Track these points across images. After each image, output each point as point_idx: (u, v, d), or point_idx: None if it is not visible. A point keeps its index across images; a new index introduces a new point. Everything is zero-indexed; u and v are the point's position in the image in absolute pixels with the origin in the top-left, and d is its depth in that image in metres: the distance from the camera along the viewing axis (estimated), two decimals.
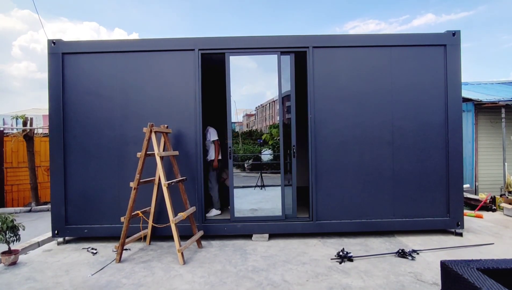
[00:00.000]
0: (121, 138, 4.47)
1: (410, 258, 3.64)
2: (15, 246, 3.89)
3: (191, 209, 4.10)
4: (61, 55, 4.44)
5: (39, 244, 4.44)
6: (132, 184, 3.87)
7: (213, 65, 5.13)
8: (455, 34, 4.46)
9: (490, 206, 6.13)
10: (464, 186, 6.55)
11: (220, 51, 4.52)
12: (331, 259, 3.66)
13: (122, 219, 3.86)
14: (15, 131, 8.00)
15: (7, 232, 3.66)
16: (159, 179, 4.03)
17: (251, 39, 4.52)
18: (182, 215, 3.83)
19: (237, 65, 4.48)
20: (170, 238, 4.31)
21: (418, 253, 3.78)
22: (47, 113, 4.55)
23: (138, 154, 3.91)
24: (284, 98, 4.63)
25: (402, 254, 3.71)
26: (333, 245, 4.16)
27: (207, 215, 4.99)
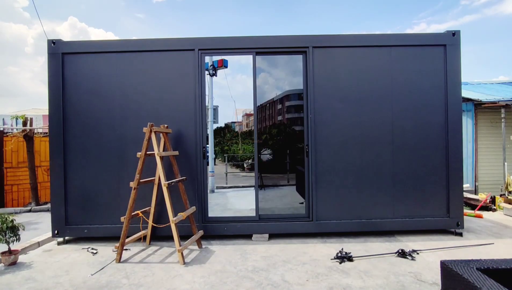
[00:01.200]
0: (121, 138, 4.47)
1: (410, 258, 3.64)
2: (15, 246, 3.89)
3: (191, 209, 4.10)
4: (61, 55, 4.44)
5: (39, 244, 4.44)
6: (132, 184, 3.88)
7: None
8: (455, 34, 4.46)
9: (490, 206, 6.13)
10: (464, 186, 6.55)
11: (221, 51, 4.53)
12: (331, 259, 3.67)
13: (122, 219, 3.86)
14: (15, 131, 8.00)
15: (7, 232, 3.65)
16: (159, 179, 4.03)
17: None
18: (182, 215, 3.83)
19: (236, 64, 4.48)
20: (170, 238, 4.31)
21: (418, 253, 3.78)
22: (47, 113, 4.55)
23: (138, 154, 3.91)
24: (284, 98, 4.62)
25: (402, 254, 3.71)
26: (333, 245, 4.16)
27: None
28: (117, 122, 4.48)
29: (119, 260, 3.73)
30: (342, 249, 3.84)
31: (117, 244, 3.76)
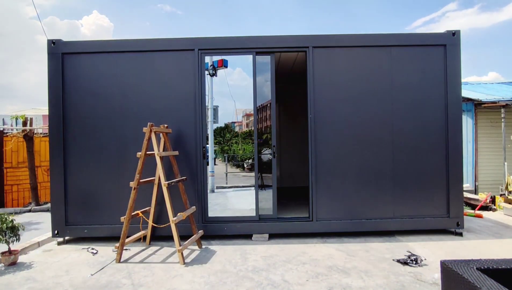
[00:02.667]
0: (121, 138, 4.47)
1: (413, 264, 3.46)
2: (15, 246, 3.89)
3: (191, 209, 4.10)
4: (61, 55, 4.44)
5: (39, 244, 4.44)
6: (132, 184, 3.87)
7: None
8: (455, 34, 4.46)
9: (490, 205, 6.13)
10: (464, 186, 6.55)
11: (221, 51, 4.54)
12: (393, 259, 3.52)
13: (122, 219, 3.86)
14: (15, 131, 7.99)
15: (7, 232, 3.65)
16: (159, 179, 4.03)
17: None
18: (182, 215, 3.83)
19: (236, 63, 4.48)
20: (170, 238, 4.31)
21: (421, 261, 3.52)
22: (47, 113, 4.55)
23: (138, 154, 3.91)
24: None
25: (405, 263, 3.50)
26: (333, 245, 4.16)
27: None
28: (117, 122, 4.48)
29: (119, 260, 3.73)
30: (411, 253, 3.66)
31: (117, 244, 3.76)
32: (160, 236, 4.44)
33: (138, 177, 3.88)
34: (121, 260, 3.77)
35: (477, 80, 10.98)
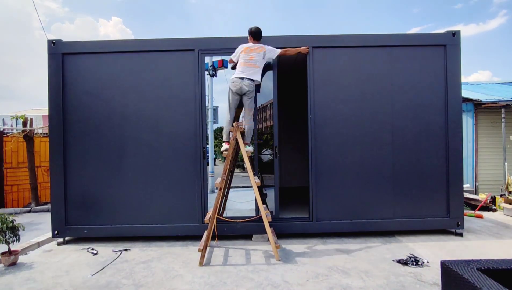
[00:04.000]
0: (121, 138, 4.46)
1: (414, 265, 3.44)
2: (15, 247, 3.89)
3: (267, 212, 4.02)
4: (61, 56, 4.43)
5: (39, 244, 4.44)
6: (218, 185, 3.91)
7: None
8: (455, 34, 4.46)
9: (490, 206, 6.12)
10: (464, 186, 6.55)
11: (221, 52, 4.55)
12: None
13: (206, 220, 3.85)
14: (15, 131, 7.99)
15: (7, 232, 3.65)
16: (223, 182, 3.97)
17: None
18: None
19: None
20: (170, 238, 4.34)
21: (424, 263, 3.50)
22: (47, 113, 4.55)
23: (225, 153, 3.97)
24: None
25: (405, 263, 3.50)
26: (333, 245, 4.16)
27: None
28: (117, 122, 4.47)
29: (202, 264, 3.58)
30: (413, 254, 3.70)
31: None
32: (160, 237, 4.44)
33: (224, 177, 3.90)
34: (122, 261, 3.76)
35: (464, 80, 11.02)
